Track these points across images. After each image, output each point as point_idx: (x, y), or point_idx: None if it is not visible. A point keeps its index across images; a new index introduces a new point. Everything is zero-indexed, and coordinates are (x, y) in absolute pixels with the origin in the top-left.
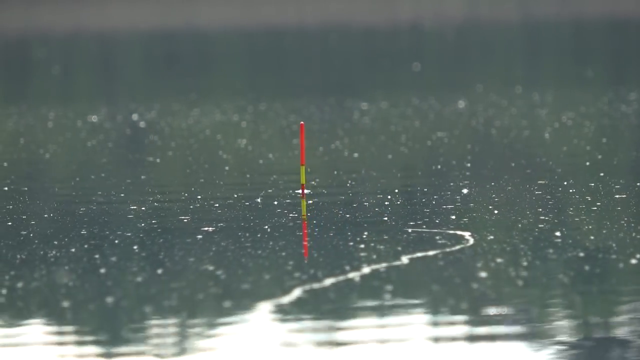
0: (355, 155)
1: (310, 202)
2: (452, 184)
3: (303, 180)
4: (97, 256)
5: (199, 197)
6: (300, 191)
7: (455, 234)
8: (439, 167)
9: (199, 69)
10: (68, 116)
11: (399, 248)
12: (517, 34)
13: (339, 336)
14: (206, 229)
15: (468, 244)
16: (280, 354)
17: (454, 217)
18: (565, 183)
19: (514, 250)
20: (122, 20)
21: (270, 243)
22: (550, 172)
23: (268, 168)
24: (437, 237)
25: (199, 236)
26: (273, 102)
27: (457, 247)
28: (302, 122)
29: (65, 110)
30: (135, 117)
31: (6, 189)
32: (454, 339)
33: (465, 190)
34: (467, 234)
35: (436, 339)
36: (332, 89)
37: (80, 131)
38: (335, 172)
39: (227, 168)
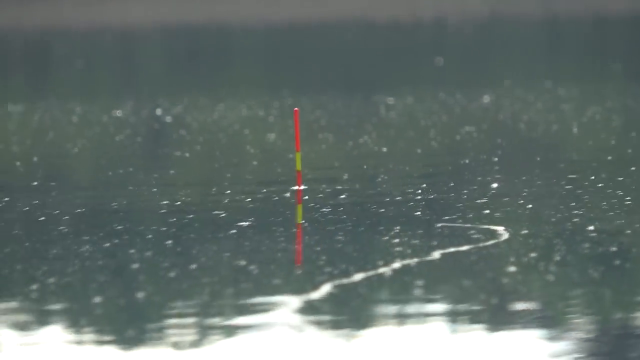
0: (384, 149)
1: (343, 196)
2: (482, 178)
3: (299, 167)
4: (132, 251)
5: (229, 191)
6: (296, 188)
7: (490, 229)
8: (468, 161)
9: (221, 64)
10: (93, 111)
11: (435, 242)
12: (540, 29)
13: (366, 331)
14: (241, 223)
15: (503, 239)
16: (307, 349)
17: (487, 211)
18: (595, 177)
19: (549, 245)
20: (143, 16)
21: (306, 237)
22: (580, 167)
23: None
24: (471, 232)
25: (233, 231)
26: (299, 97)
27: (492, 241)
28: (296, 109)
29: (90, 105)
30: (159, 112)
31: (35, 183)
32: (481, 333)
33: (495, 185)
34: (501, 229)
35: (464, 334)
36: (357, 84)
37: (107, 126)
38: (365, 167)
39: (255, 163)
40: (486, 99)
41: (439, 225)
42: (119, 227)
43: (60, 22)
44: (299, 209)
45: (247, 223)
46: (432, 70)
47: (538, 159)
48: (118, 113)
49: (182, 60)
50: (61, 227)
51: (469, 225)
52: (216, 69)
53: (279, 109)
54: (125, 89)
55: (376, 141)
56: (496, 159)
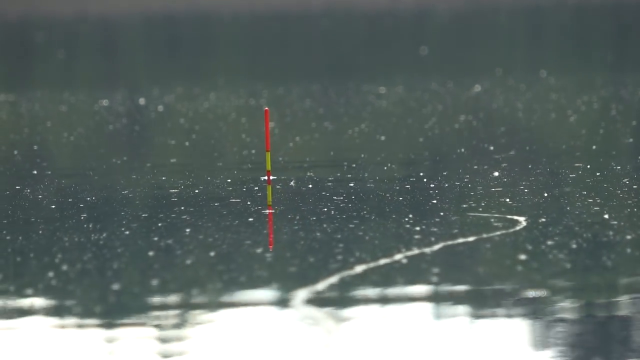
0: (383, 138)
1: (352, 184)
2: (488, 167)
3: (269, 167)
4: (155, 238)
5: (230, 180)
6: (265, 178)
7: (508, 217)
8: (471, 150)
9: (206, 53)
10: (80, 100)
11: (455, 231)
12: (523, 17)
13: (379, 318)
14: (265, 211)
15: (521, 227)
16: (318, 337)
17: (503, 200)
18: (601, 166)
19: (567, 233)
20: (125, 4)
21: (324, 225)
22: (585, 155)
23: (298, 151)
24: (491, 220)
25: (251, 219)
26: (290, 86)
27: (511, 230)
28: (266, 108)
29: (76, 94)
30: (142, 101)
31: (35, 172)
32: (491, 319)
33: (496, 173)
34: (519, 218)
35: (471, 321)
36: (344, 73)
37: (97, 115)
38: (363, 155)
39: (253, 151)
40: (477, 88)
41: (461, 213)
42: (134, 214)
43: (40, 10)
44: (269, 192)
45: (272, 211)
46: (419, 59)
47: (545, 147)
48: (104, 102)
49: (165, 49)
50: (80, 215)
51: (487, 214)
52: (201, 58)
53: (268, 97)
54: (109, 79)
55: (375, 130)
56: (500, 147)
